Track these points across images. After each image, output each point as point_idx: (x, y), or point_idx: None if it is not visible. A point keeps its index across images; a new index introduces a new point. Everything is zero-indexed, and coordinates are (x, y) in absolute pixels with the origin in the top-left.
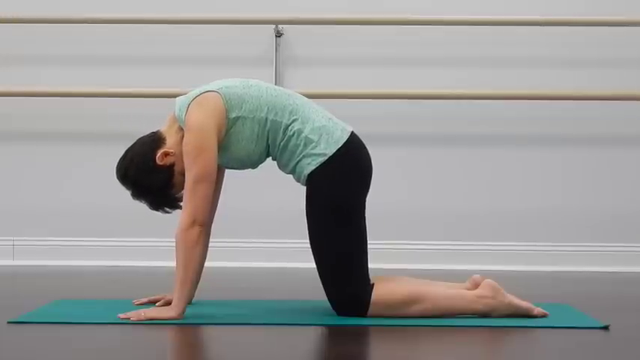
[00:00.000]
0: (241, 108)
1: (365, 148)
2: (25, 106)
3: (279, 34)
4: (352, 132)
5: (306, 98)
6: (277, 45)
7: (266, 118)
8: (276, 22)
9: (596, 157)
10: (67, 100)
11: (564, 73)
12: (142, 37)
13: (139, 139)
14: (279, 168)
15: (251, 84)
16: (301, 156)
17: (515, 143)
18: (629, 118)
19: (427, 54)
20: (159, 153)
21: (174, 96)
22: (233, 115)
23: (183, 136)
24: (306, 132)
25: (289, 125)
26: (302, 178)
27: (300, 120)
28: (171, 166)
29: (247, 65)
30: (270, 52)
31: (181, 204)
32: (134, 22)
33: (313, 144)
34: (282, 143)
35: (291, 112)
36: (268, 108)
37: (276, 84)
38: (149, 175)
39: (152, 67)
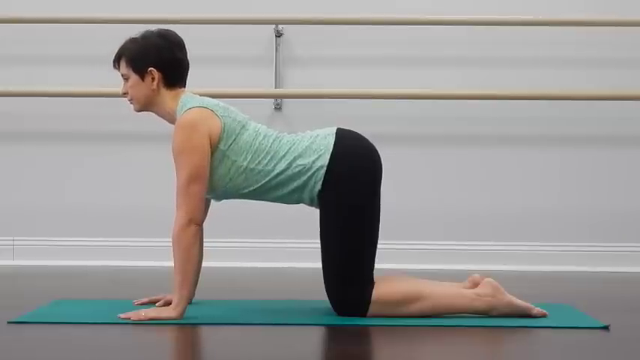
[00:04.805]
0: (230, 146)
1: (359, 137)
2: (25, 106)
3: (279, 34)
4: (337, 130)
5: (287, 136)
6: (277, 45)
7: (246, 167)
8: (276, 22)
9: (596, 157)
10: (67, 100)
11: (564, 73)
12: None
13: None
14: (288, 202)
15: (248, 127)
16: (302, 181)
17: (515, 143)
18: (628, 118)
19: (427, 54)
20: (154, 69)
21: None
22: (222, 146)
23: (166, 101)
24: (296, 162)
25: (273, 169)
26: (315, 200)
27: (285, 157)
28: (144, 78)
29: (247, 65)
30: (270, 52)
31: (127, 100)
32: (134, 22)
33: (307, 166)
34: (274, 182)
35: (272, 157)
36: (252, 157)
37: (276, 84)
38: (152, 51)
39: None
